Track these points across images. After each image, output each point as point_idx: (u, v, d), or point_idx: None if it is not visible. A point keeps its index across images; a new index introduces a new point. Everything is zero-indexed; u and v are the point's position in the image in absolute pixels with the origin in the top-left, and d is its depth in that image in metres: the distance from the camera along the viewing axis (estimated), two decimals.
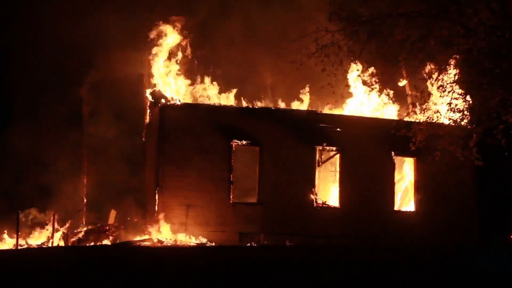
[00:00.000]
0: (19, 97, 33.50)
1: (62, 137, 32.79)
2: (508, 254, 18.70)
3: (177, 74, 28.13)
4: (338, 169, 28.30)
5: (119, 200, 30.43)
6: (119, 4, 32.12)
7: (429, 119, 18.94)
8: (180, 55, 28.29)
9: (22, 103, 33.61)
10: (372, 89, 28.35)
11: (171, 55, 28.19)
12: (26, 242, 27.99)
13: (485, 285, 13.96)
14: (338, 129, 27.69)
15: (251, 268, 16.42)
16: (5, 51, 33.50)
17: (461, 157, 18.51)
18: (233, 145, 26.78)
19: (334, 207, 27.81)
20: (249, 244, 25.66)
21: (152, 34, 28.16)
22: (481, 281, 14.32)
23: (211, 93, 28.40)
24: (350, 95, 29.35)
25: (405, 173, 30.03)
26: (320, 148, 28.10)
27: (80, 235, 27.08)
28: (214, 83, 28.48)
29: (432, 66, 18.07)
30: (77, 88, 33.73)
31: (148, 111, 29.58)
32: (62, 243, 27.22)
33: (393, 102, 29.74)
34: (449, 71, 17.65)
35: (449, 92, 18.05)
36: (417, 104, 19.05)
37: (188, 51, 28.50)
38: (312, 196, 27.27)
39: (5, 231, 27.64)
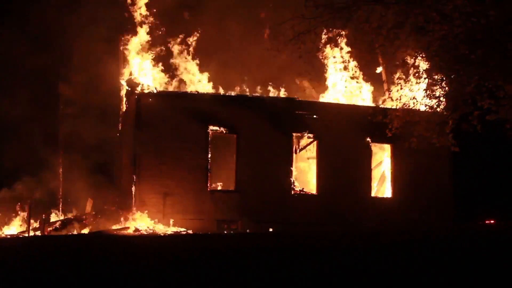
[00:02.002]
0: None
1: (36, 125, 32.61)
2: (481, 237, 18.88)
3: (153, 61, 27.96)
4: (315, 156, 28.38)
5: (96, 188, 30.31)
6: None
7: (405, 106, 19.00)
8: (155, 41, 28.17)
9: None
10: (351, 77, 28.49)
11: (147, 42, 28.03)
12: (1, 230, 27.84)
13: (460, 267, 14.10)
14: (315, 116, 27.73)
15: (229, 256, 16.43)
16: None
17: (437, 143, 18.62)
18: (210, 132, 26.73)
19: (312, 194, 27.90)
20: (226, 232, 25.68)
21: (127, 21, 28.03)
22: (456, 263, 14.45)
23: (188, 80, 28.34)
24: (326, 81, 29.52)
25: (382, 159, 30.18)
26: (297, 135, 28.16)
27: (57, 224, 26.93)
28: (192, 69, 28.39)
29: (408, 53, 18.11)
30: (53, 77, 33.60)
31: (124, 99, 29.41)
32: (38, 233, 27.06)
33: (370, 89, 29.89)
34: (425, 58, 17.69)
35: (425, 78, 18.11)
36: (392, 90, 19.11)
37: (163, 36, 28.38)
38: (290, 183, 27.32)
39: None
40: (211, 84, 28.42)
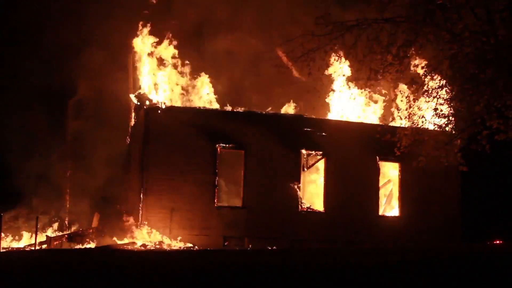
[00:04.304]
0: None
1: (45, 138, 32.71)
2: (489, 257, 18.78)
3: (163, 76, 28.01)
4: (323, 173, 28.33)
5: (103, 203, 30.32)
6: (106, 6, 32.15)
7: (414, 124, 18.98)
8: (165, 56, 28.22)
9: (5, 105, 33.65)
10: (359, 89, 28.45)
11: (157, 57, 28.09)
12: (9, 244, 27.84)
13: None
14: (323, 134, 27.71)
15: (235, 273, 16.37)
16: None
17: (445, 162, 18.56)
18: (218, 148, 26.73)
19: (319, 211, 27.82)
20: (232, 248, 25.59)
21: (137, 37, 28.11)
22: (462, 283, 14.38)
23: (196, 96, 28.37)
24: (335, 99, 29.50)
25: (389, 178, 30.09)
26: (306, 152, 28.13)
27: (64, 238, 26.91)
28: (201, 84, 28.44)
29: (418, 71, 18.13)
30: (62, 93, 33.80)
31: (133, 113, 29.47)
32: (45, 246, 27.04)
33: (378, 106, 29.85)
34: (435, 77, 17.70)
35: (434, 97, 18.10)
36: (402, 109, 19.08)
37: (174, 52, 28.43)
38: (297, 200, 27.26)
39: None
40: (218, 99, 28.46)
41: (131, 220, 26.49)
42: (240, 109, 27.99)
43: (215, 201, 26.53)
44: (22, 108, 33.64)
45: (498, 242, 27.71)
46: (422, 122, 18.92)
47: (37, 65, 33.73)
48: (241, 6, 31.54)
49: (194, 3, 31.05)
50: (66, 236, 27.23)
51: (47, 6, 33.39)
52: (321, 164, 28.64)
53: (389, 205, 29.75)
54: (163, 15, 29.26)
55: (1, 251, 25.95)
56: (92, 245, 25.95)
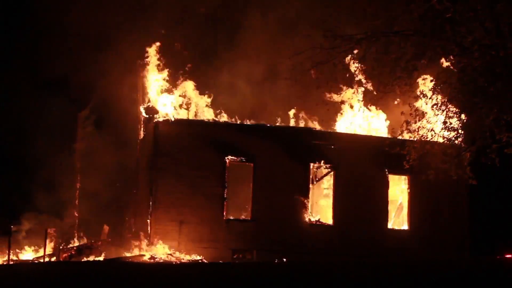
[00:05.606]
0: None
1: (54, 150, 32.82)
2: (498, 271, 18.67)
3: (172, 89, 28.04)
4: (332, 186, 28.28)
5: (112, 215, 30.34)
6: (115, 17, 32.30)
7: (423, 137, 18.95)
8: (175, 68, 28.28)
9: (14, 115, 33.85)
10: (368, 105, 28.47)
11: (166, 69, 28.11)
12: (18, 257, 27.86)
13: None
14: (332, 147, 27.67)
15: (244, 286, 16.34)
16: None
17: (454, 176, 18.50)
18: (227, 161, 26.74)
19: (328, 225, 27.75)
20: (242, 261, 25.54)
21: (147, 50, 28.18)
22: None
23: (206, 109, 28.36)
24: (344, 112, 29.48)
25: (399, 191, 29.99)
26: (315, 165, 28.08)
27: (72, 250, 26.93)
28: (209, 98, 28.43)
29: (427, 84, 18.12)
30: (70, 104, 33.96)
31: (142, 126, 29.50)
32: (54, 259, 27.07)
33: (387, 120, 29.80)
34: (444, 90, 17.67)
35: (443, 110, 18.08)
36: (411, 122, 19.03)
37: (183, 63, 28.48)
38: (306, 213, 27.22)
39: None
40: (227, 112, 28.47)
41: (140, 232, 26.49)
42: (249, 122, 28.01)
43: (224, 213, 26.50)
44: (30, 116, 33.84)
45: (508, 255, 27.53)
46: (431, 135, 18.89)
47: (49, 74, 33.99)
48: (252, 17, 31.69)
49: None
50: (75, 248, 27.25)
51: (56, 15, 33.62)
52: (330, 177, 28.59)
53: (398, 219, 29.63)
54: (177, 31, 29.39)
55: (10, 263, 26.00)
56: (100, 257, 25.95)
